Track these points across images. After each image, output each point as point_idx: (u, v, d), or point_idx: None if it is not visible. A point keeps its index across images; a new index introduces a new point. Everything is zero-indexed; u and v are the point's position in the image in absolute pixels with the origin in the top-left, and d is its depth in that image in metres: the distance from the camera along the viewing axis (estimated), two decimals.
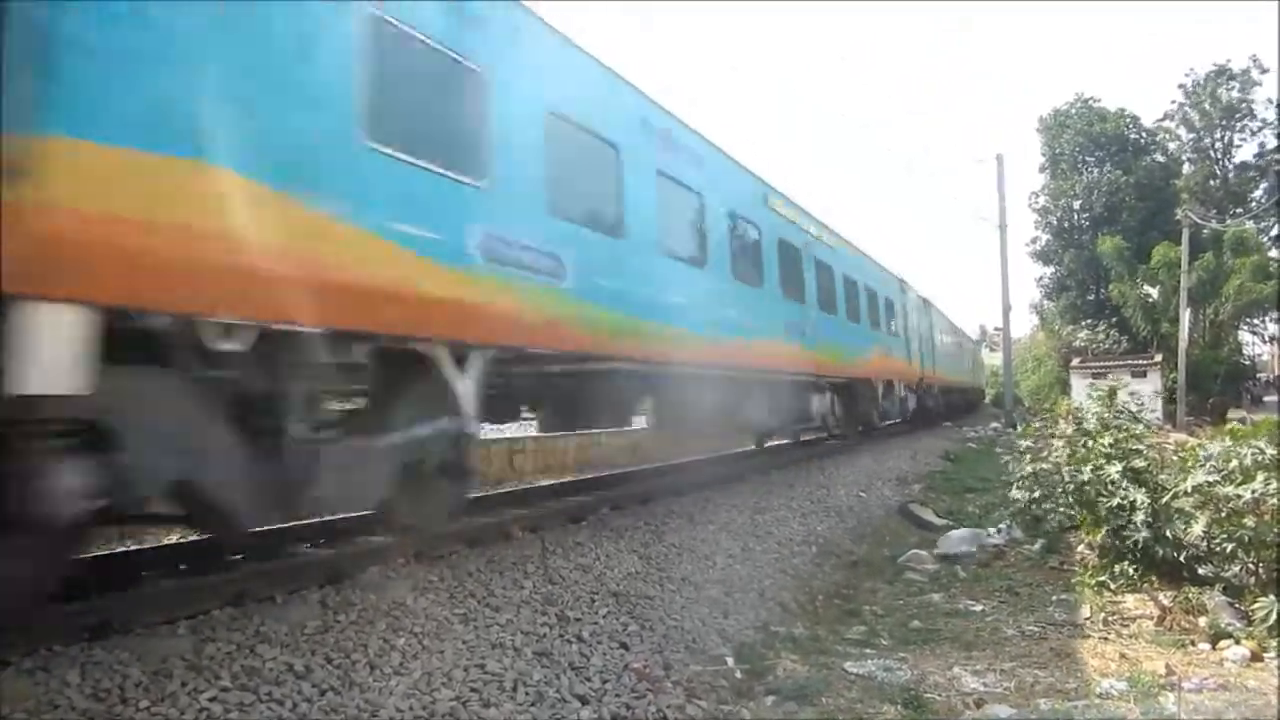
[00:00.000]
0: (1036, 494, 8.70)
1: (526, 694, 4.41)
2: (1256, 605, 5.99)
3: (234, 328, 4.15)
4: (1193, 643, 6.11)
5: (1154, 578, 7.24)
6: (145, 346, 3.88)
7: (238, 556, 5.70)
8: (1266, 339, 43.07)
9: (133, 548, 6.41)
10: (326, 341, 4.72)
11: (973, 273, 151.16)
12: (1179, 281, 32.73)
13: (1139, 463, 7.77)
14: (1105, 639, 6.25)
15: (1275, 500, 6.24)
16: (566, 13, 7.02)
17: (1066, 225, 44.85)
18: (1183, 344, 32.24)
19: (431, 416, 5.78)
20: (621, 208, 7.86)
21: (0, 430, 3.41)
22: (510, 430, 12.58)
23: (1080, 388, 27.22)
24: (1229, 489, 6.48)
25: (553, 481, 11.24)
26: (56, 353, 3.34)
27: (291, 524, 6.13)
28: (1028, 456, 9.00)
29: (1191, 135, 44.51)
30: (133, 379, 3.88)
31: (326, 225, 4.63)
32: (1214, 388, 34.45)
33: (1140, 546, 7.26)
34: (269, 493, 4.58)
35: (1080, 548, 8.75)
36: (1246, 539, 6.46)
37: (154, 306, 3.81)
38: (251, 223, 4.15)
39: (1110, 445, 8.00)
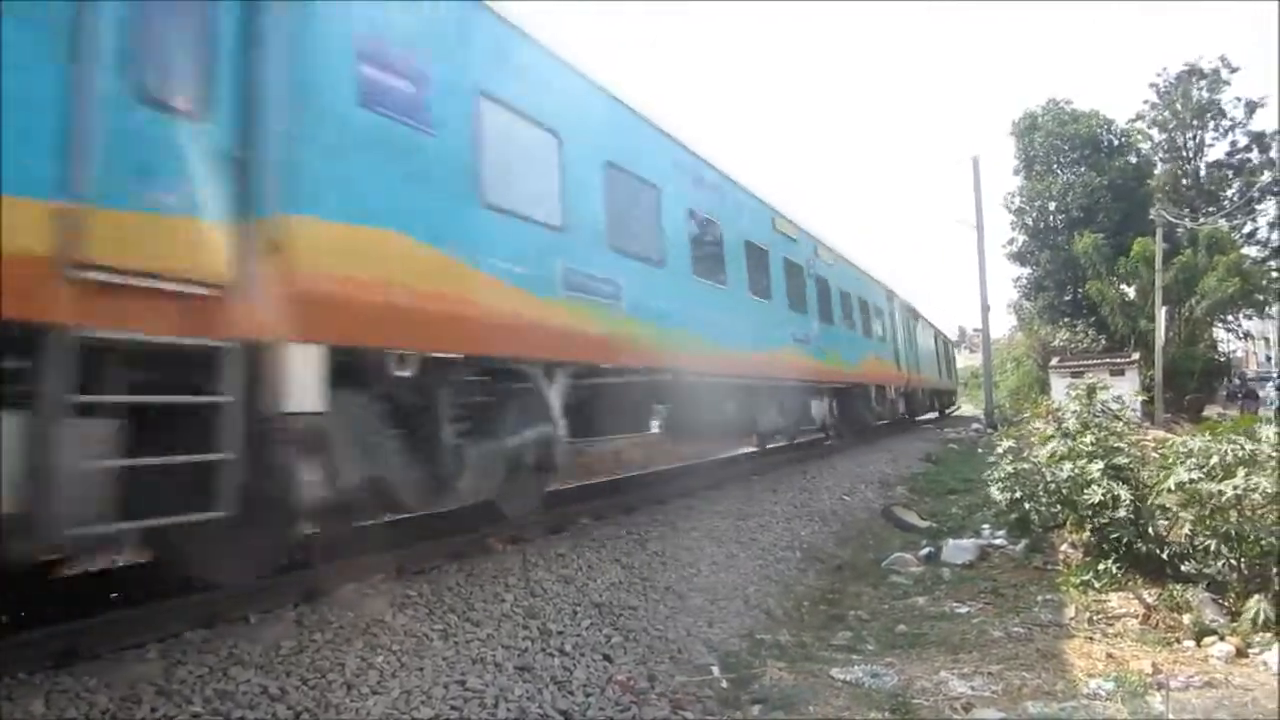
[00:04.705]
0: (1018, 494, 8.67)
1: (508, 710, 4.32)
2: (1247, 605, 6.01)
3: (406, 356, 5.24)
4: (1178, 640, 6.12)
5: (1138, 575, 7.25)
6: (345, 373, 4.81)
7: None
8: (1240, 335, 43.44)
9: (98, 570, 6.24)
10: (464, 365, 5.89)
11: (951, 274, 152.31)
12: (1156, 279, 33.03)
13: (1120, 460, 7.78)
14: (1091, 639, 6.23)
15: (1257, 495, 6.26)
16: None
17: (1042, 226, 45.08)
18: (1159, 341, 32.55)
19: (532, 423, 6.97)
20: (661, 239, 8.92)
21: (265, 438, 4.24)
22: None
23: (1059, 387, 27.28)
24: (1211, 485, 6.49)
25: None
26: (305, 381, 4.39)
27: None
28: (1008, 457, 8.98)
29: (1164, 135, 44.88)
30: (344, 398, 4.81)
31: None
32: (1191, 384, 34.74)
33: (1124, 544, 7.26)
34: (430, 486, 5.79)
35: (1064, 547, 8.75)
36: (1230, 535, 6.49)
37: (361, 343, 4.90)
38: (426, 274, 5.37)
39: (1092, 443, 8.01)
